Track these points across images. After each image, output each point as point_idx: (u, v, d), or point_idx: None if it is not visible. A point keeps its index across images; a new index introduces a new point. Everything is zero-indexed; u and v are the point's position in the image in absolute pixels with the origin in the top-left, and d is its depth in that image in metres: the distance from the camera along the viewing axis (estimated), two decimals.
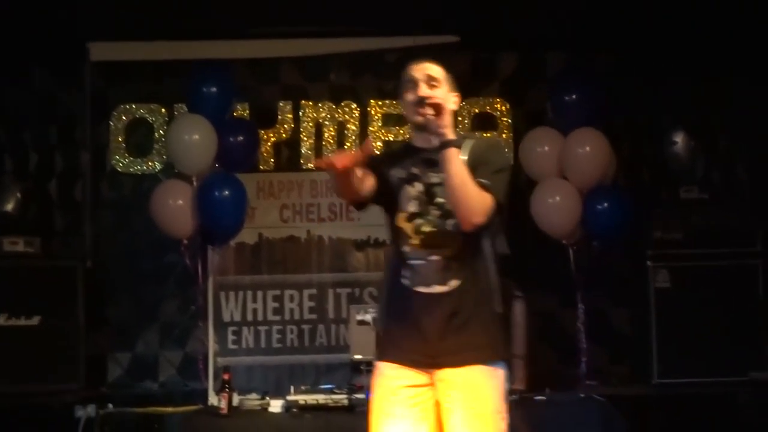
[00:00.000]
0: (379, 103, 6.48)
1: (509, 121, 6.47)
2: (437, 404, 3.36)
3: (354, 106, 6.48)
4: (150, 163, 6.36)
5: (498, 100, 6.49)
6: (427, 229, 3.35)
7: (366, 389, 5.18)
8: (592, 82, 6.06)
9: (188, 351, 6.21)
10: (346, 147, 6.41)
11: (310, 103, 6.46)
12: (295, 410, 5.20)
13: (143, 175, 6.36)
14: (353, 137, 6.44)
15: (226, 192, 5.70)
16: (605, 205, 5.83)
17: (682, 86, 6.26)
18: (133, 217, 6.27)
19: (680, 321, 5.74)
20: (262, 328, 6.24)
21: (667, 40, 6.10)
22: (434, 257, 3.33)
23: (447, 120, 3.36)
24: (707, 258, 5.82)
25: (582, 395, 5.51)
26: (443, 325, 3.31)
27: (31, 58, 6.30)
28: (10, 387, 5.33)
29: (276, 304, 6.26)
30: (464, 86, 6.36)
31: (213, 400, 5.65)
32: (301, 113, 6.44)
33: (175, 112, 6.34)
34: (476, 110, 6.48)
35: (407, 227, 3.37)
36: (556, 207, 5.83)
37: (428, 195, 3.37)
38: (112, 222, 6.34)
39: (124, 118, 6.37)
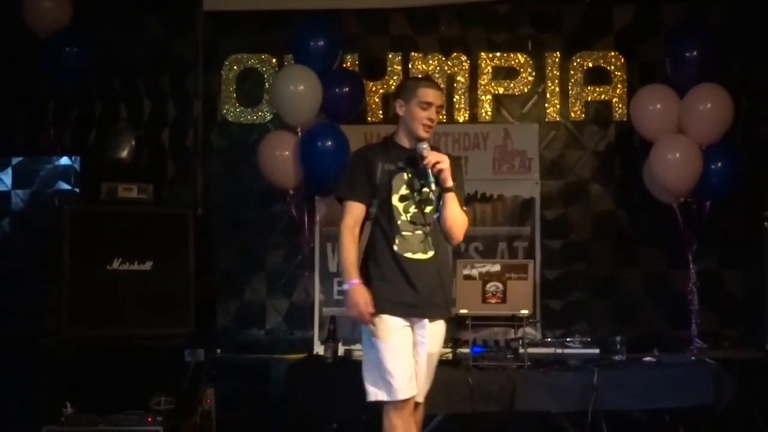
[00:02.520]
0: (489, 55, 6.39)
1: (623, 75, 6.30)
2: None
3: (464, 58, 6.40)
4: (260, 113, 6.41)
5: (612, 53, 6.33)
6: (413, 209, 4.32)
7: (470, 344, 5.19)
8: (709, 36, 5.86)
9: (294, 300, 6.28)
10: (455, 100, 6.35)
11: (420, 54, 6.41)
12: None
13: (253, 124, 6.41)
14: (462, 90, 6.36)
15: (329, 143, 5.71)
16: (720, 164, 5.66)
17: None
18: (242, 167, 6.34)
19: None
20: None
21: None
22: (418, 231, 4.31)
23: (447, 172, 4.30)
24: None
25: (692, 357, 5.40)
26: (427, 284, 4.27)
27: (145, 7, 6.40)
28: (124, 329, 5.46)
29: None
30: (577, 39, 6.36)
31: (318, 349, 5.72)
32: (410, 65, 6.39)
33: (285, 62, 6.36)
34: (590, 64, 6.34)
35: (400, 206, 4.32)
36: (676, 163, 5.65)
37: (413, 184, 4.31)
38: (222, 171, 6.42)
39: (235, 67, 6.43)
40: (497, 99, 6.38)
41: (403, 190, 4.33)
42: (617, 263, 6.25)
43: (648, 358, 5.36)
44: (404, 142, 4.41)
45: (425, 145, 4.31)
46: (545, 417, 5.13)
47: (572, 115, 6.35)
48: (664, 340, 5.78)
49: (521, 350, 5.15)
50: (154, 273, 5.54)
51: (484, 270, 5.38)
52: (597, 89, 6.33)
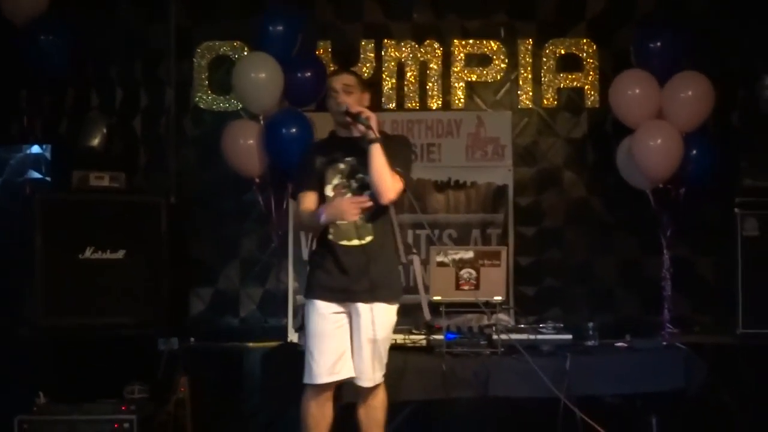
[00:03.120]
0: (463, 42, 6.39)
1: (596, 62, 6.33)
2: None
3: (437, 45, 6.40)
4: (232, 101, 6.37)
5: (585, 41, 6.35)
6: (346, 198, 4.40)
7: (444, 330, 5.20)
8: (682, 23, 5.87)
9: (268, 288, 6.27)
10: (428, 87, 6.35)
11: (393, 42, 6.40)
12: None
13: (226, 112, 6.39)
14: (435, 77, 6.37)
15: (293, 129, 5.67)
16: (697, 151, 5.70)
17: None
18: (215, 155, 6.26)
19: (767, 270, 5.59)
20: None
21: None
22: (354, 219, 4.36)
23: (373, 122, 4.31)
24: None
25: (664, 343, 5.44)
26: (358, 269, 4.38)
27: None
28: (96, 319, 5.44)
29: None
30: (550, 26, 6.37)
31: (292, 336, 5.72)
32: (383, 52, 6.38)
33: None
34: (562, 51, 6.36)
35: (332, 195, 4.42)
36: (658, 149, 5.66)
37: (350, 172, 4.43)
38: (195, 159, 6.40)
39: (207, 55, 6.40)
40: (470, 86, 6.40)
41: (337, 180, 4.46)
42: (590, 250, 6.29)
43: (620, 344, 5.39)
44: (342, 133, 4.53)
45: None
46: (519, 402, 5.15)
47: (545, 102, 6.37)
48: (636, 325, 5.83)
49: (495, 336, 5.17)
50: (127, 261, 5.52)
51: (457, 257, 5.39)
52: (569, 76, 6.35)
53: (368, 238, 4.44)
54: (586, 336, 5.39)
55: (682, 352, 5.21)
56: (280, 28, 5.79)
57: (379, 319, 4.44)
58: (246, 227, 6.31)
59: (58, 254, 5.43)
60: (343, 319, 4.45)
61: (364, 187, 4.42)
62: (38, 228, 5.40)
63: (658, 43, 5.77)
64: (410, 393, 5.00)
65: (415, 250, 5.15)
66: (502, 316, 5.51)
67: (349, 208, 4.32)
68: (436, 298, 5.31)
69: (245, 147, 5.77)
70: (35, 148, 5.76)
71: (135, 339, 5.58)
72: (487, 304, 5.28)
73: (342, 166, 4.47)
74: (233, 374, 5.69)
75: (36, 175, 5.74)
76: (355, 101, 4.44)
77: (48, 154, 5.76)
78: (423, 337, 5.26)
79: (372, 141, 4.32)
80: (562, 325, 5.50)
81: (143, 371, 5.49)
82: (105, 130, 6.00)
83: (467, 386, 4.98)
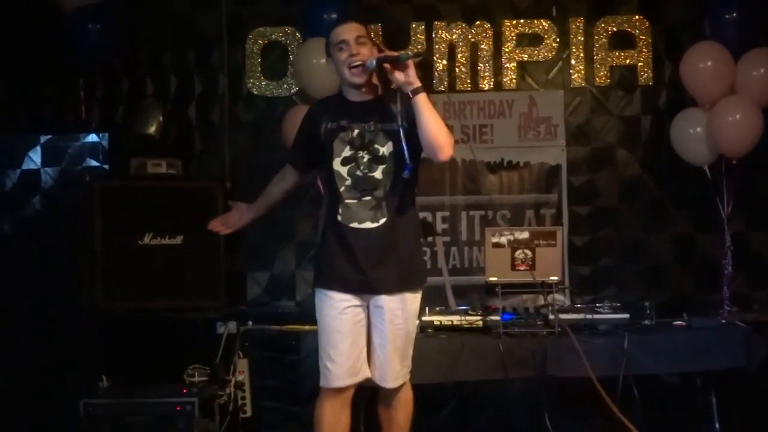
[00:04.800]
0: (513, 22, 6.35)
1: (648, 39, 6.26)
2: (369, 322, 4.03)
3: (487, 25, 6.37)
4: (284, 86, 6.41)
5: (637, 17, 6.28)
6: (358, 173, 3.90)
7: (500, 311, 5.21)
8: None
9: None
10: (479, 68, 6.33)
11: (443, 23, 6.39)
12: (430, 331, 5.24)
13: (278, 97, 6.42)
14: (487, 57, 6.34)
15: None
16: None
17: None
18: (268, 139, 6.35)
19: None
20: None
21: None
22: (366, 198, 3.90)
23: (411, 73, 3.79)
24: None
25: (722, 321, 5.40)
26: (372, 254, 3.90)
27: None
28: (156, 303, 5.50)
29: None
30: (601, 3, 6.31)
31: None
32: (433, 34, 6.37)
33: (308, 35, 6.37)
34: (614, 28, 6.29)
35: (342, 170, 3.92)
36: (736, 125, 5.57)
37: (362, 141, 3.89)
38: (249, 144, 6.44)
39: (259, 41, 6.43)
40: (522, 66, 6.35)
41: (347, 152, 3.92)
42: (645, 228, 6.24)
43: (678, 323, 5.37)
44: (349, 94, 4.00)
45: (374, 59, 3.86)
46: (577, 382, 5.15)
47: (597, 80, 6.32)
48: (693, 304, 5.79)
49: (551, 317, 5.17)
50: (184, 247, 5.58)
51: (512, 237, 5.39)
52: (622, 54, 6.29)
53: (383, 220, 3.93)
54: (643, 315, 5.38)
55: (741, 330, 5.18)
56: (333, 14, 5.79)
57: (406, 310, 4.02)
58: (300, 210, 6.34)
59: (117, 240, 5.49)
60: (361, 313, 4.00)
61: (378, 160, 3.92)
62: (97, 215, 5.48)
63: (734, 14, 5.68)
64: (468, 374, 5.03)
65: (439, 231, 5.34)
66: (558, 296, 5.52)
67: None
68: (492, 278, 5.32)
69: None
70: (92, 137, 5.84)
71: (194, 323, 5.66)
72: (543, 284, 5.28)
73: (352, 135, 3.92)
74: (290, 357, 5.76)
75: (94, 163, 5.81)
76: (369, 54, 3.90)
77: (105, 143, 5.83)
78: (479, 318, 5.27)
79: (417, 90, 3.77)
80: (618, 304, 5.49)
81: (202, 354, 5.57)
82: (160, 118, 6.05)
83: (524, 366, 4.99)
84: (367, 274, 3.92)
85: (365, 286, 3.94)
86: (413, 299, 4.07)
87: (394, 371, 4.02)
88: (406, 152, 3.85)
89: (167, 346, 5.53)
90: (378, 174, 3.91)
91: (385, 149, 3.88)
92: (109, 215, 5.51)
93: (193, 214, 5.62)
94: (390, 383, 4.03)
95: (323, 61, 5.59)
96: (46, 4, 5.95)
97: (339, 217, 3.93)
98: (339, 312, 3.93)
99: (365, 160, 3.89)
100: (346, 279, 3.93)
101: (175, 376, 5.41)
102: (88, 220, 5.50)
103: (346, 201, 3.92)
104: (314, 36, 5.81)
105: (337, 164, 3.91)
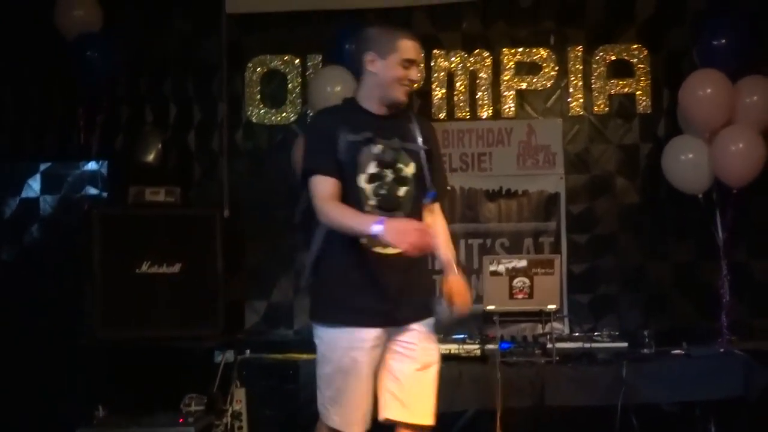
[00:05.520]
0: (512, 51, 6.38)
1: (647, 67, 6.28)
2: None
3: (486, 54, 6.39)
4: (284, 114, 6.44)
5: (635, 46, 6.30)
6: (384, 191, 3.50)
7: (498, 340, 5.19)
8: (739, 22, 5.78)
9: None
10: (478, 96, 6.34)
11: (442, 52, 6.41)
12: None
13: (277, 125, 6.45)
14: (485, 86, 6.36)
15: None
16: None
17: None
18: (267, 167, 6.37)
19: None
20: None
21: None
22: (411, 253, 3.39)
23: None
24: None
25: (722, 349, 5.38)
26: (400, 283, 3.50)
27: (170, 10, 6.45)
28: (153, 332, 5.49)
29: None
30: (600, 32, 6.34)
31: None
32: (432, 63, 6.39)
33: (308, 63, 6.40)
34: (612, 57, 6.32)
35: (367, 188, 3.50)
36: (739, 154, 5.56)
37: (387, 159, 3.51)
38: (248, 172, 6.45)
39: (258, 69, 6.46)
40: (520, 94, 6.38)
41: (372, 168, 3.50)
42: (644, 256, 6.23)
43: (677, 351, 5.35)
44: (372, 106, 3.59)
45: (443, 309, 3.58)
46: (575, 411, 5.12)
47: (596, 108, 6.33)
48: (692, 332, 5.76)
49: (549, 345, 5.15)
50: (183, 275, 5.57)
51: (510, 266, 5.37)
52: (620, 82, 6.31)
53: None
54: (641, 343, 5.36)
55: (741, 359, 5.16)
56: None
57: (431, 337, 3.63)
58: (299, 239, 6.33)
59: (115, 268, 5.50)
60: (379, 349, 3.54)
61: (401, 181, 3.54)
62: (96, 242, 5.49)
63: (723, 40, 5.69)
64: (466, 403, 5.01)
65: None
66: (556, 324, 5.50)
67: (420, 241, 3.29)
68: (490, 307, 5.30)
69: None
70: (92, 165, 5.86)
71: (191, 351, 5.64)
72: (541, 312, 5.27)
73: (377, 150, 3.52)
74: (289, 386, 5.73)
75: (93, 191, 5.83)
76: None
77: (104, 170, 5.86)
78: (477, 346, 5.26)
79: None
80: (617, 332, 5.48)
81: (200, 383, 5.53)
82: (160, 146, 6.09)
83: (523, 395, 4.98)
84: (395, 304, 3.50)
85: (392, 319, 3.52)
86: (431, 324, 3.68)
87: (426, 408, 3.59)
88: (428, 176, 3.61)
89: (164, 374, 5.49)
90: (401, 194, 3.56)
91: (407, 170, 3.55)
92: (107, 243, 5.51)
93: (191, 242, 5.64)
94: (420, 418, 3.57)
95: (338, 88, 5.71)
96: (47, 32, 5.99)
97: (364, 240, 3.44)
98: (359, 352, 3.48)
99: (389, 179, 3.52)
100: (372, 311, 3.47)
101: (171, 405, 5.36)
102: (86, 247, 5.51)
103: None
104: (336, 63, 5.86)
105: (361, 181, 3.49)
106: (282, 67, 6.45)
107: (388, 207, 3.50)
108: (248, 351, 5.74)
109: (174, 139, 6.41)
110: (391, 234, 3.27)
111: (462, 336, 5.53)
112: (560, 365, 5.06)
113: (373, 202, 3.49)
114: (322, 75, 6.00)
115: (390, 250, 3.42)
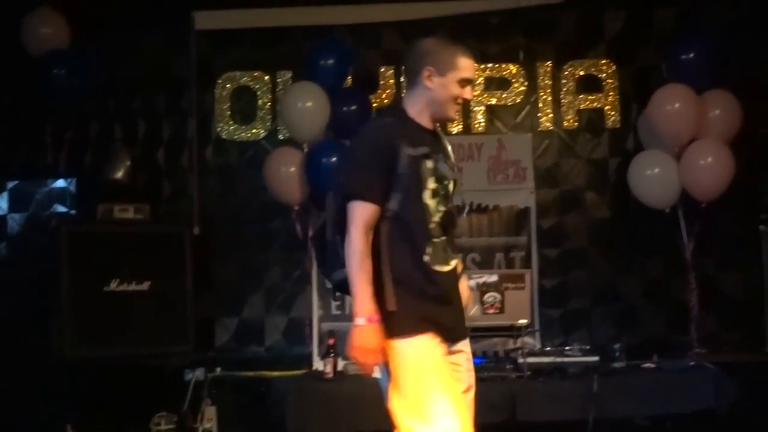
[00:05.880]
0: (482, 66, 6.38)
1: (615, 82, 6.32)
2: None
3: None
4: (254, 130, 6.43)
5: (604, 61, 6.35)
6: (444, 208, 3.36)
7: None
8: (704, 38, 5.85)
9: (293, 316, 6.28)
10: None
11: None
12: None
13: (247, 141, 6.43)
14: None
15: (334, 159, 5.70)
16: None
17: None
18: (238, 184, 6.36)
19: None
20: None
21: None
22: (445, 236, 3.36)
23: None
24: None
25: (691, 363, 5.41)
26: (458, 300, 3.44)
27: (139, 27, 6.41)
28: (123, 350, 5.46)
29: None
30: (569, 48, 6.37)
31: (318, 364, 5.72)
32: (402, 78, 6.39)
33: (278, 79, 6.39)
34: (581, 72, 6.36)
35: (431, 204, 3.33)
36: (708, 168, 5.60)
37: (441, 173, 3.35)
38: (218, 188, 6.43)
39: (228, 85, 6.45)
40: (490, 110, 6.41)
41: (432, 184, 3.33)
42: (615, 270, 6.26)
43: (647, 365, 5.37)
44: (423, 119, 3.44)
45: None
46: (547, 426, 5.12)
47: (565, 123, 6.37)
48: (663, 345, 5.78)
49: (521, 360, 5.15)
50: (152, 292, 5.55)
51: (481, 281, 5.39)
52: (589, 97, 6.35)
53: (453, 262, 3.41)
54: (612, 357, 5.37)
55: (711, 372, 5.19)
56: (330, 60, 5.87)
57: (471, 358, 3.51)
58: (270, 256, 6.33)
59: (84, 286, 5.46)
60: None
61: (448, 198, 3.40)
62: (64, 261, 5.44)
63: (691, 55, 5.74)
64: None
65: None
66: (527, 339, 5.50)
67: (365, 363, 3.21)
68: None
69: (287, 174, 5.81)
70: (60, 182, 5.83)
71: (161, 370, 5.59)
72: (513, 327, 5.27)
73: (433, 165, 3.34)
74: (259, 403, 5.69)
75: (61, 208, 5.79)
76: None
77: (73, 188, 5.83)
78: None
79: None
80: (588, 346, 5.48)
81: (170, 402, 5.50)
82: (129, 163, 6.06)
83: (494, 411, 4.96)
84: (457, 321, 3.41)
85: (457, 335, 3.40)
86: None
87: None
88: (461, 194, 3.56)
89: (134, 393, 5.45)
90: (453, 211, 3.46)
91: (450, 186, 3.42)
92: (76, 261, 5.47)
93: (160, 259, 5.62)
94: None
95: (309, 104, 5.70)
96: (14, 49, 5.95)
97: (426, 258, 3.30)
98: (444, 363, 3.32)
99: (444, 195, 3.38)
100: (446, 327, 3.32)
101: (141, 424, 5.34)
102: (54, 266, 5.46)
103: (434, 240, 3.33)
104: (309, 80, 5.86)
105: (427, 197, 3.32)
106: (252, 83, 6.45)
107: (448, 224, 3.41)
108: (219, 369, 5.70)
109: (143, 155, 6.38)
110: (356, 338, 3.17)
111: None
112: (532, 380, 5.06)
113: (436, 218, 3.35)
114: (293, 91, 5.99)
115: (446, 268, 3.35)
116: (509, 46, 6.41)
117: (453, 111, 3.45)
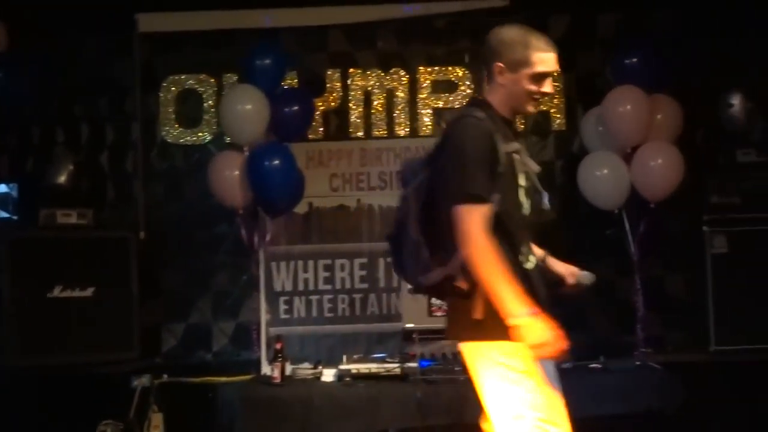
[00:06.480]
0: (428, 69, 6.42)
1: (560, 85, 6.36)
2: None
3: (402, 73, 6.42)
4: (199, 134, 6.38)
5: None
6: (535, 205, 3.23)
7: (418, 358, 5.18)
8: (647, 43, 5.93)
9: (241, 321, 6.23)
10: (395, 114, 6.36)
11: (359, 70, 6.42)
12: (347, 379, 5.20)
13: (193, 145, 6.38)
14: (402, 104, 6.38)
15: (276, 161, 5.67)
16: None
17: (740, 46, 6.09)
18: (183, 188, 6.31)
19: (737, 287, 5.62)
20: (314, 298, 6.25)
21: None
22: (532, 234, 3.24)
23: None
24: (765, 222, 5.68)
25: (637, 363, 5.46)
26: (544, 298, 3.29)
27: (82, 30, 6.31)
28: (67, 357, 5.39)
29: (327, 274, 6.26)
30: None
31: (266, 369, 5.68)
32: (349, 81, 6.39)
33: (224, 82, 6.35)
34: None
35: (526, 203, 3.18)
36: (659, 169, 5.68)
37: (529, 169, 3.22)
38: (164, 193, 6.37)
39: (173, 88, 6.39)
40: (437, 112, 6.41)
41: (523, 180, 3.16)
42: None
43: (594, 365, 5.41)
44: (506, 113, 3.28)
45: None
46: None
47: None
48: (610, 346, 5.83)
49: None
50: (96, 298, 5.50)
51: None
52: None
53: (534, 258, 3.28)
54: None
55: (656, 372, 5.25)
56: (267, 61, 5.81)
57: None
58: (217, 260, 6.28)
59: (27, 293, 5.40)
60: None
61: (538, 193, 3.27)
62: (6, 267, 5.38)
63: (635, 60, 5.81)
64: (386, 422, 4.98)
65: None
66: None
67: (555, 351, 3.15)
68: (409, 325, 5.29)
69: (230, 178, 5.74)
70: (2, 187, 5.74)
71: (107, 376, 5.53)
72: None
73: (522, 160, 3.19)
74: (207, 410, 5.64)
75: (3, 214, 5.72)
76: None
77: (15, 193, 5.74)
78: (397, 365, 5.24)
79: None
80: None
81: (116, 409, 5.42)
82: (71, 167, 5.98)
83: (443, 413, 4.96)
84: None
85: None
86: None
87: None
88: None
89: (79, 400, 5.39)
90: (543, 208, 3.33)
91: (536, 180, 3.27)
92: (18, 267, 5.41)
93: (105, 265, 5.57)
94: None
95: (248, 107, 5.65)
96: None
97: (521, 257, 3.17)
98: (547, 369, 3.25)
99: (533, 191, 3.23)
100: None
101: (87, 431, 5.26)
102: None
103: (527, 239, 3.24)
104: (248, 82, 5.80)
105: (522, 195, 3.17)
106: (197, 86, 6.39)
107: (540, 221, 3.30)
108: (165, 375, 5.63)
109: (87, 160, 6.28)
110: (531, 338, 3.06)
111: (382, 355, 5.52)
112: None
113: (529, 217, 3.22)
114: (232, 94, 5.94)
115: (531, 266, 3.22)
116: (455, 49, 6.43)
117: (531, 106, 3.29)
